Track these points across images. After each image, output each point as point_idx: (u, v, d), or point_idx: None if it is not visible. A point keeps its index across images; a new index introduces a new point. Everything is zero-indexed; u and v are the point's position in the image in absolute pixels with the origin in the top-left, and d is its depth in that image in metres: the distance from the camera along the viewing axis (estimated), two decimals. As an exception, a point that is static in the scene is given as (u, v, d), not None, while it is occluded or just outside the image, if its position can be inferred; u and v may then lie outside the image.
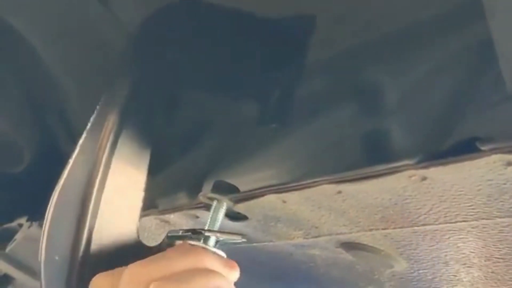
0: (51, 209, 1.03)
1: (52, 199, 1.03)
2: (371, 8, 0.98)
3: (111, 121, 1.07)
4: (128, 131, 1.08)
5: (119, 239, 1.02)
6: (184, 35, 1.13)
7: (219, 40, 1.13)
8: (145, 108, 1.15)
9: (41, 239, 1.02)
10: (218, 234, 1.10)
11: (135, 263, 0.90)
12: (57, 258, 1.00)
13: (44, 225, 1.03)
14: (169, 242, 1.09)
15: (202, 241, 1.06)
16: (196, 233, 1.07)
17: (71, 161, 1.05)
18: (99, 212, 1.00)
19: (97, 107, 1.10)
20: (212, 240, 1.07)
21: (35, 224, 1.67)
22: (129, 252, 1.04)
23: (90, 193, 1.01)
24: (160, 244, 1.11)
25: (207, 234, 1.07)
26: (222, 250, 1.06)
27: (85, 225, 0.99)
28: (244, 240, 1.21)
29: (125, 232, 1.04)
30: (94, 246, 0.99)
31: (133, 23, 1.20)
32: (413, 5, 0.95)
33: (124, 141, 1.09)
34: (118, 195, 1.04)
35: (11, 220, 1.73)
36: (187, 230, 1.08)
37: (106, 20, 1.19)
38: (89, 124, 1.09)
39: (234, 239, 1.16)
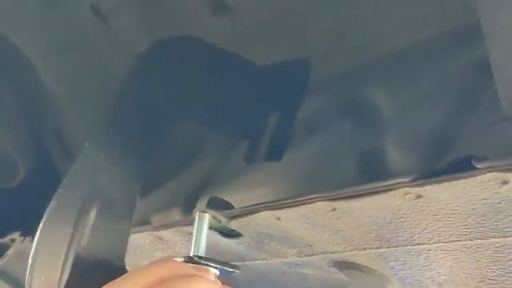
0: (41, 229, 1.03)
1: (44, 220, 1.04)
2: (369, 29, 0.99)
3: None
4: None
5: (105, 264, 1.03)
6: (179, 65, 1.14)
7: (214, 67, 1.14)
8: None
9: (29, 261, 1.03)
10: (214, 264, 1.11)
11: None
12: (43, 279, 1.01)
13: (33, 246, 1.03)
14: None
15: None
16: (192, 261, 1.08)
17: (64, 184, 1.06)
18: (89, 235, 1.02)
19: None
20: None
21: (27, 239, 1.66)
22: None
23: (81, 218, 1.02)
24: None
25: (203, 262, 1.08)
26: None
27: (73, 248, 1.00)
28: (236, 271, 1.20)
29: (112, 258, 1.05)
30: (80, 269, 1.00)
31: (133, 43, 1.21)
32: (412, 26, 0.96)
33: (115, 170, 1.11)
34: (107, 220, 1.06)
35: (4, 235, 1.72)
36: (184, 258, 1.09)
37: (106, 39, 1.19)
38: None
39: (228, 269, 1.16)
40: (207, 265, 1.10)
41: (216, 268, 1.12)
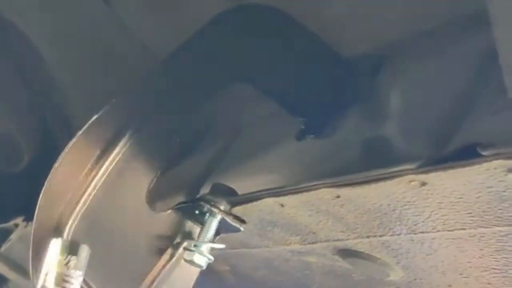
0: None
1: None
2: (376, 16, 0.99)
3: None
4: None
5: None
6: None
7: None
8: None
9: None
10: (223, 215, 1.12)
11: None
12: None
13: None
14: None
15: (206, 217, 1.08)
16: (199, 206, 1.09)
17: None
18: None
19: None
20: (213, 225, 1.10)
21: (30, 224, 1.66)
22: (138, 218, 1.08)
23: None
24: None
25: (213, 209, 1.10)
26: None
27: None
28: (241, 229, 1.21)
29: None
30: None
31: (138, 27, 1.20)
32: (418, 14, 0.95)
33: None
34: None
35: (7, 220, 1.72)
36: (190, 201, 1.11)
37: (111, 23, 1.19)
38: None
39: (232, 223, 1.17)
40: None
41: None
